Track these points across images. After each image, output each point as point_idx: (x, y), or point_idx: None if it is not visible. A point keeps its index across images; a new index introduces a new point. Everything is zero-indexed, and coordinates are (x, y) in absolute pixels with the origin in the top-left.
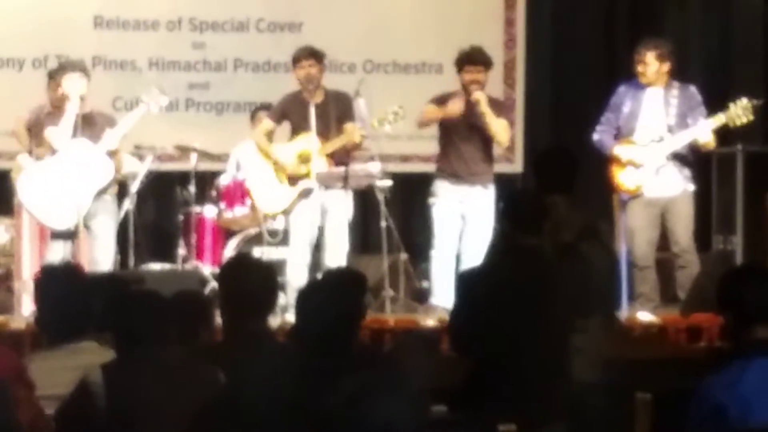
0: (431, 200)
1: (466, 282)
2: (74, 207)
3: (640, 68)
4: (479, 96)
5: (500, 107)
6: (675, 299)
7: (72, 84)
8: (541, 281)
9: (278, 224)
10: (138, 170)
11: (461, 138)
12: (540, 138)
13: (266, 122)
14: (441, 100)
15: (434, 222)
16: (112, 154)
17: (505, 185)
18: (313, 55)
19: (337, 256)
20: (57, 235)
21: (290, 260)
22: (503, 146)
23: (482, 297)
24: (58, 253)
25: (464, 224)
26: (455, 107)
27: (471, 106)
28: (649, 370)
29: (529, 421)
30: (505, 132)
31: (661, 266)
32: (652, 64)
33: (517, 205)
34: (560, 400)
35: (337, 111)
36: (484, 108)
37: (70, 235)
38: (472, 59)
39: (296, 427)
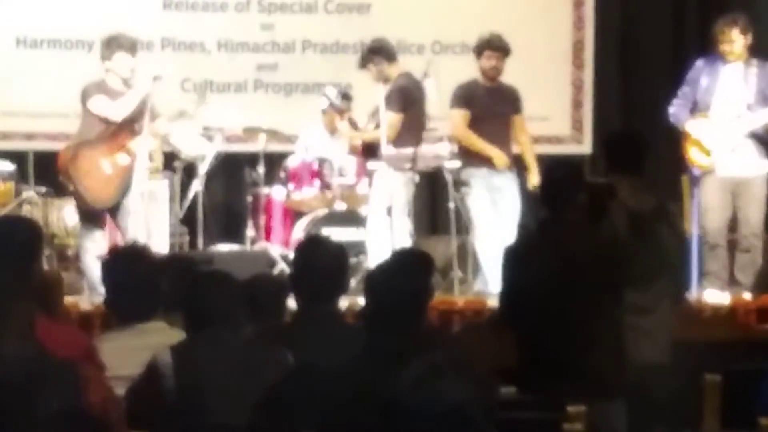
0: (464, 190)
1: (509, 259)
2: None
3: (726, 47)
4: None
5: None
6: (735, 282)
7: (133, 64)
8: (575, 256)
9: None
10: (207, 152)
11: (486, 128)
12: (609, 119)
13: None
14: (467, 100)
15: (471, 210)
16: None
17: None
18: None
19: (403, 236)
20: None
21: (370, 239)
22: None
23: (523, 273)
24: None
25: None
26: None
27: (494, 94)
28: (718, 351)
29: (588, 398)
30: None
31: (730, 247)
32: (738, 39)
33: (550, 182)
34: (619, 377)
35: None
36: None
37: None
38: (492, 45)
39: (363, 409)
